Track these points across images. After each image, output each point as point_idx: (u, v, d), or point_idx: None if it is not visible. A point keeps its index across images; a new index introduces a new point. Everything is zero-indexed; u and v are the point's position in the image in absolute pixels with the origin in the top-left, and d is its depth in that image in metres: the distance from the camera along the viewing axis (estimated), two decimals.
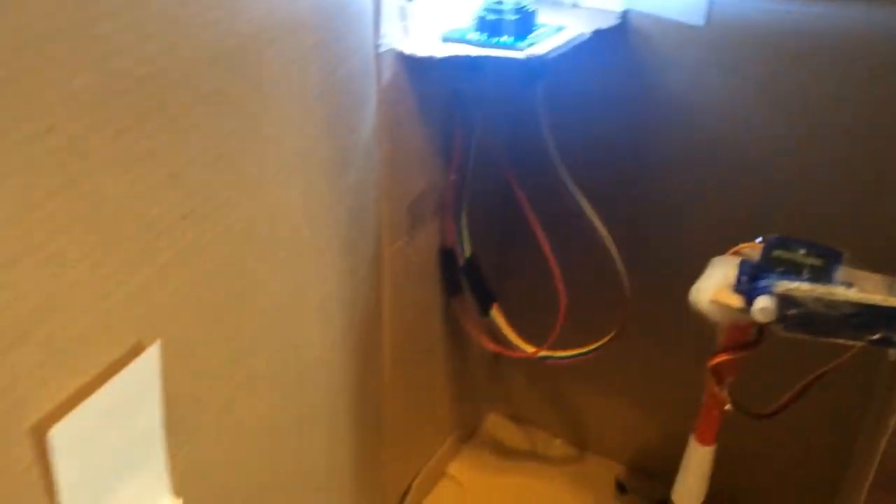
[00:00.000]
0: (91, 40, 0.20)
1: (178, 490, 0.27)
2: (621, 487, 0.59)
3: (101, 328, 0.22)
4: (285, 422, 0.34)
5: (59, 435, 0.21)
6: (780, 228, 0.39)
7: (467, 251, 0.48)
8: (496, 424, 0.65)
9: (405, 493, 0.54)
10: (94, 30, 0.21)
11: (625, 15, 0.46)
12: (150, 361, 0.24)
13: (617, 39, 0.45)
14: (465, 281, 0.48)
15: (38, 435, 0.21)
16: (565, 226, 0.45)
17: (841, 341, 0.34)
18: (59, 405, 0.21)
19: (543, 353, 0.48)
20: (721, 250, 0.39)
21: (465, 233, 0.47)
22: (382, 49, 0.37)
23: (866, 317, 0.32)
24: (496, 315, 0.49)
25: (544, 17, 0.44)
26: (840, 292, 0.32)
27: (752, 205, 0.46)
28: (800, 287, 0.33)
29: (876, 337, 0.32)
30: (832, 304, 0.32)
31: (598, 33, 0.43)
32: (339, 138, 0.35)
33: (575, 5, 0.47)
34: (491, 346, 0.49)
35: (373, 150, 0.39)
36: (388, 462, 0.51)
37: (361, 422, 0.44)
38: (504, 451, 0.62)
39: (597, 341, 0.48)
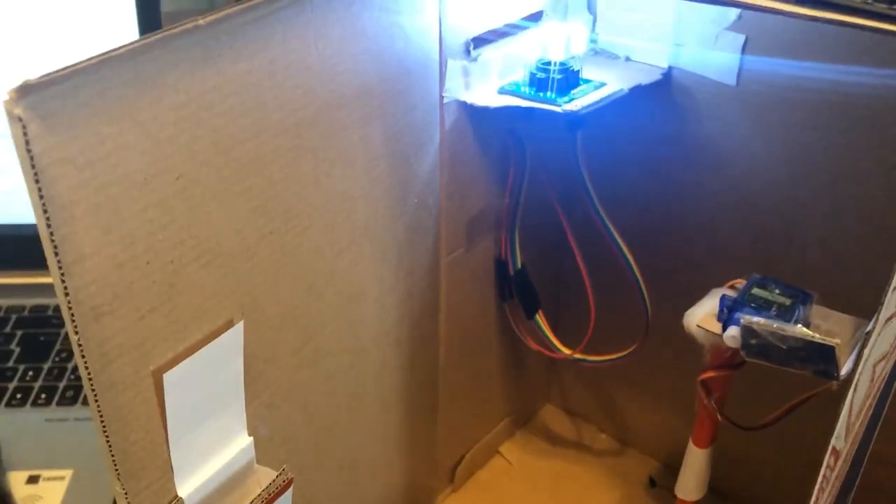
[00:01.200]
0: (213, 115, 0.31)
1: (251, 431, 0.38)
2: (652, 482, 0.66)
3: (205, 308, 0.33)
4: (341, 388, 0.44)
5: (170, 378, 0.32)
6: (787, 272, 0.45)
7: (518, 263, 0.56)
8: (550, 414, 0.73)
9: (457, 464, 0.64)
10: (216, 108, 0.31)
11: (668, 71, 0.52)
12: (237, 333, 0.34)
13: (658, 93, 0.52)
14: (515, 288, 0.57)
15: (157, 376, 0.31)
16: (600, 249, 0.52)
17: (793, 370, 0.40)
18: (172, 359, 0.32)
19: (577, 355, 0.56)
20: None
21: (516, 247, 0.56)
22: (446, 100, 0.46)
23: (808, 351, 0.39)
24: (540, 319, 0.57)
25: (593, 72, 0.51)
26: (788, 328, 0.39)
27: (766, 249, 0.52)
28: (759, 321, 0.40)
29: (816, 368, 0.39)
30: (782, 338, 0.39)
31: (639, 88, 0.50)
32: (402, 171, 0.44)
33: (627, 59, 0.54)
34: (533, 346, 0.58)
35: (435, 180, 0.48)
36: (442, 437, 0.60)
37: (415, 400, 0.54)
38: (553, 439, 0.70)
39: (626, 349, 0.55)
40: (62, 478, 0.62)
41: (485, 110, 0.47)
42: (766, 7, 0.33)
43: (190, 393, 0.33)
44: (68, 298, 0.27)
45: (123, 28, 0.71)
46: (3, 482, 0.60)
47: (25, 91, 0.24)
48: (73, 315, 0.27)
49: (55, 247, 0.26)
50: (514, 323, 0.58)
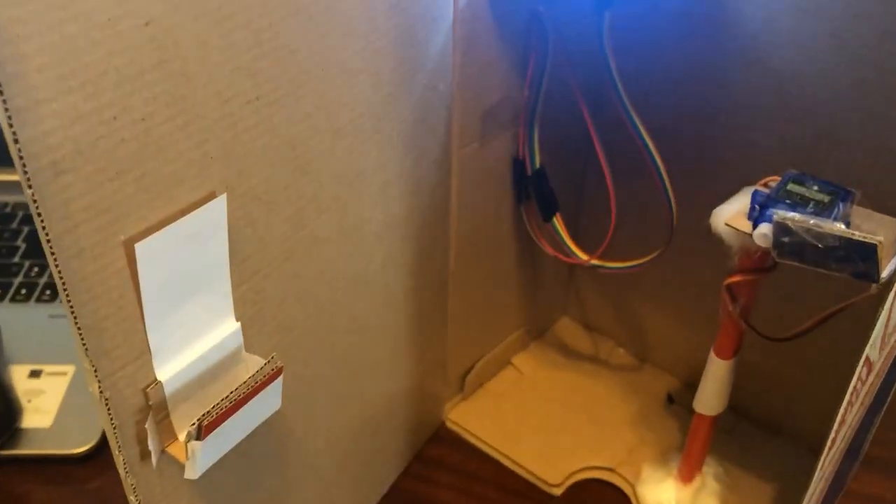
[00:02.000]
0: None
1: (239, 316, 0.35)
2: (670, 399, 0.63)
3: (182, 177, 0.30)
4: (341, 281, 0.42)
5: (143, 248, 0.29)
6: (828, 173, 0.42)
7: (537, 162, 0.53)
8: (567, 327, 0.70)
9: (467, 372, 0.62)
10: None
11: None
12: (219, 207, 0.31)
13: None
14: (532, 189, 0.53)
15: (129, 247, 0.29)
16: (625, 147, 0.49)
17: (829, 272, 0.37)
18: (145, 229, 0.29)
19: (595, 261, 0.53)
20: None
21: (536, 145, 0.52)
22: None
23: (847, 250, 0.35)
24: (557, 222, 0.54)
25: None
26: (827, 225, 0.35)
27: (806, 148, 0.48)
28: (794, 217, 0.36)
29: (855, 269, 0.35)
30: (819, 236, 0.35)
31: None
32: (408, 46, 0.40)
33: None
34: (549, 251, 0.54)
35: (447, 61, 0.44)
36: (452, 343, 0.58)
37: (422, 299, 0.51)
38: (569, 352, 0.68)
39: (649, 256, 0.52)
40: (64, 373, 0.61)
41: None
42: None
43: (167, 268, 0.30)
44: (18, 146, 0.24)
45: None
46: (3, 374, 0.59)
47: None
48: (24, 167, 0.24)
49: (3, 100, 0.24)
50: (531, 226, 0.55)
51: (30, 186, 0.25)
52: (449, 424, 0.60)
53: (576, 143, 0.53)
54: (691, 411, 0.51)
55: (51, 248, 0.26)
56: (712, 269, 0.44)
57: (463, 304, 0.56)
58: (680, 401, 0.62)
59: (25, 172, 0.25)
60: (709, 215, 0.41)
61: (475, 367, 0.61)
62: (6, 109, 0.24)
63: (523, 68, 0.49)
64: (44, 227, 0.26)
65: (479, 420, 0.60)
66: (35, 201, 0.25)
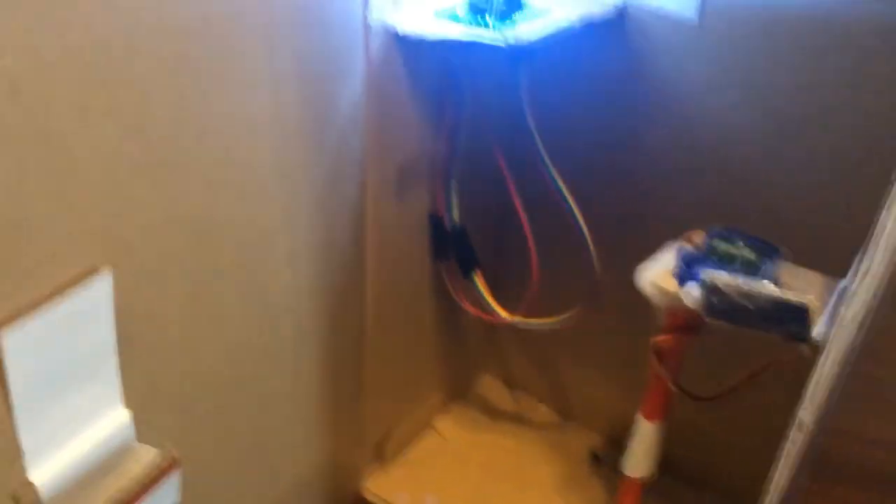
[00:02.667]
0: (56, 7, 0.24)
1: (132, 403, 0.31)
2: (595, 457, 0.62)
3: (58, 252, 0.26)
4: (246, 356, 0.38)
5: (12, 337, 0.25)
6: (747, 220, 0.41)
7: (455, 217, 0.51)
8: (488, 385, 0.68)
9: (385, 439, 0.58)
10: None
11: (623, 8, 0.47)
12: (103, 284, 0.28)
13: (612, 28, 0.47)
14: (451, 245, 0.51)
15: None
16: (545, 203, 0.47)
17: (760, 332, 0.36)
18: (12, 313, 0.25)
19: (517, 319, 0.51)
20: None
21: (454, 200, 0.50)
22: (372, 23, 0.40)
23: (778, 311, 0.34)
24: (477, 279, 0.52)
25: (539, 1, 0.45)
26: (757, 285, 0.34)
27: (723, 195, 0.48)
28: (723, 278, 0.35)
29: (786, 330, 0.34)
30: (750, 297, 0.34)
31: (590, 22, 0.45)
32: (318, 103, 0.38)
33: None
34: (470, 309, 0.52)
35: (359, 116, 0.42)
36: (369, 410, 0.54)
37: (336, 367, 0.48)
38: (491, 411, 0.66)
39: (573, 311, 0.50)
40: None
41: (417, 41, 0.41)
42: None
43: (41, 357, 0.27)
44: None
45: None
46: None
47: None
48: None
49: None
50: (450, 284, 0.53)
51: None
52: (367, 495, 0.57)
53: (495, 198, 0.52)
54: (617, 471, 0.49)
55: None
56: (636, 324, 0.42)
57: (380, 369, 0.53)
58: (605, 459, 0.61)
59: None
60: (632, 270, 0.40)
61: (394, 434, 0.58)
62: None
63: (439, 122, 0.47)
64: None
65: (399, 490, 0.57)
66: None
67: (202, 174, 0.31)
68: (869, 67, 0.40)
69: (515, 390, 0.67)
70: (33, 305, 0.26)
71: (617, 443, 0.54)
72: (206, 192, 0.32)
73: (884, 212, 0.27)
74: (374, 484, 0.58)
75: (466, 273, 0.51)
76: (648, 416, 0.45)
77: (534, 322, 0.51)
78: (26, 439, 0.27)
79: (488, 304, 0.51)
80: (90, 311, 0.28)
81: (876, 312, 0.41)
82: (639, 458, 0.47)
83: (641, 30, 0.48)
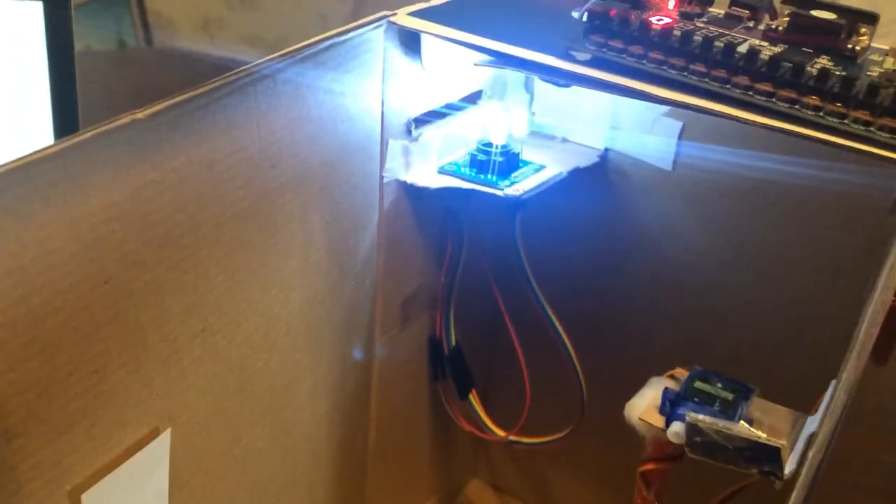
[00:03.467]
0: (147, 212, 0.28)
1: None
2: None
3: (128, 419, 0.30)
4: (271, 486, 0.42)
5: (90, 498, 0.29)
6: (723, 357, 0.45)
7: (452, 341, 0.55)
8: (477, 490, 0.71)
9: None
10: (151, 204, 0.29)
11: (605, 153, 0.53)
12: (162, 443, 0.31)
13: (595, 174, 0.52)
14: (448, 368, 0.55)
15: (75, 496, 0.28)
16: (538, 332, 0.51)
17: (737, 468, 0.40)
18: (91, 476, 0.29)
19: (512, 437, 0.55)
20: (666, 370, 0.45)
21: (452, 326, 0.54)
22: (386, 180, 0.45)
23: (754, 451, 0.38)
24: (473, 400, 0.55)
25: (531, 153, 0.51)
26: (735, 428, 0.38)
27: (703, 331, 0.53)
28: (704, 419, 0.39)
29: (761, 468, 0.39)
30: (728, 438, 0.39)
31: (576, 170, 0.50)
32: (341, 257, 0.42)
33: (564, 140, 0.54)
34: (466, 427, 0.56)
35: (372, 259, 0.46)
36: None
37: (343, 486, 0.51)
38: None
39: (561, 431, 0.54)
40: None
41: (424, 190, 0.46)
42: (730, 115, 0.33)
43: None
44: None
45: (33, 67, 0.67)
46: None
47: None
48: None
49: None
50: (447, 402, 0.57)
51: None
52: None
53: (490, 324, 0.56)
54: None
55: None
56: (620, 443, 0.46)
57: (379, 482, 0.56)
58: None
59: None
60: (616, 392, 0.44)
61: None
62: None
63: (441, 257, 0.52)
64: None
65: None
66: None
67: (245, 335, 0.35)
68: (824, 227, 0.45)
69: (503, 494, 0.70)
70: (108, 468, 0.29)
71: None
72: (246, 348, 0.36)
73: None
74: None
75: (464, 394, 0.55)
76: None
77: (528, 441, 0.55)
78: None
79: (485, 423, 0.55)
80: (151, 466, 0.31)
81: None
82: None
83: (622, 174, 0.53)
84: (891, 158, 0.31)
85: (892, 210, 0.34)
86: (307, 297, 0.39)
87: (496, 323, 0.54)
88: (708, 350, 0.44)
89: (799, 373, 0.36)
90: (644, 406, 0.43)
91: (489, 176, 0.47)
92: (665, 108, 0.49)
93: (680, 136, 0.50)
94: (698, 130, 0.49)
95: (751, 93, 0.34)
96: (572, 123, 0.53)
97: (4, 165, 0.23)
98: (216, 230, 0.32)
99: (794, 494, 0.36)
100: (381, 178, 0.44)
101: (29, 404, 0.26)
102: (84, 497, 0.29)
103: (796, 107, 0.33)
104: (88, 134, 0.25)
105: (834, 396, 0.35)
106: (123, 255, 0.28)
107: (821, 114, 0.33)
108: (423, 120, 0.46)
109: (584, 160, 0.51)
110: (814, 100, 0.33)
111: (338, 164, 0.39)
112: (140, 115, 0.27)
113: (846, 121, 0.32)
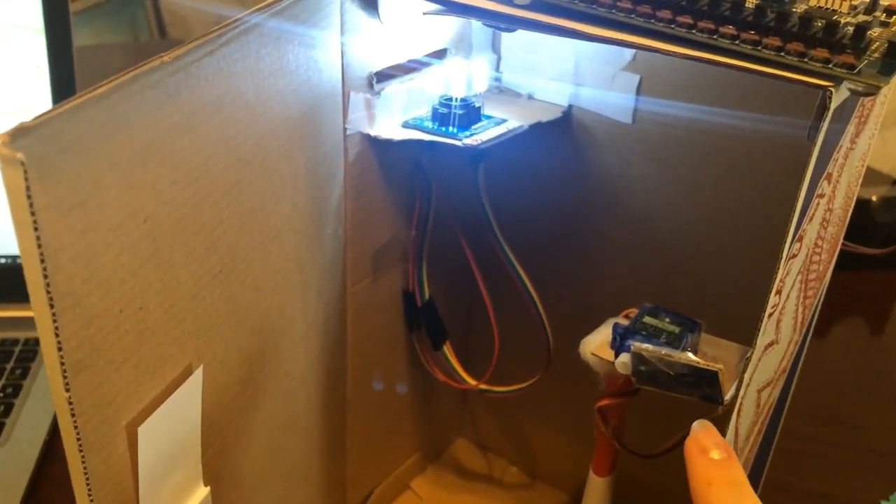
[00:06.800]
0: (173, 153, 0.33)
1: (206, 480, 0.40)
2: None
3: (168, 355, 0.36)
4: (278, 428, 0.47)
5: (144, 431, 0.33)
6: (678, 298, 0.47)
7: (426, 294, 0.57)
8: (462, 448, 0.76)
9: (366, 500, 0.63)
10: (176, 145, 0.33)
11: (569, 109, 0.55)
12: (196, 379, 0.38)
13: (558, 130, 0.55)
14: (423, 319, 0.58)
15: (131, 430, 0.33)
16: (503, 280, 0.54)
17: (681, 395, 0.42)
18: (142, 411, 0.34)
19: (483, 386, 0.57)
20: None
21: (424, 279, 0.58)
22: (349, 132, 0.48)
23: (694, 377, 0.41)
24: (447, 351, 0.59)
25: (496, 109, 0.53)
26: (675, 355, 0.41)
27: (666, 279, 0.55)
28: (647, 348, 0.42)
29: (702, 393, 0.41)
30: (670, 364, 0.41)
31: (539, 125, 0.52)
32: (319, 202, 0.50)
33: (530, 97, 0.56)
34: (441, 377, 0.59)
35: (342, 210, 0.49)
36: (351, 473, 0.61)
37: (324, 436, 0.55)
38: (464, 473, 0.73)
39: (531, 379, 0.56)
40: None
41: (388, 143, 0.49)
42: (658, 48, 0.36)
43: (159, 446, 0.36)
44: (61, 354, 0.28)
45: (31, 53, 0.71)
46: None
47: (22, 134, 0.25)
48: (65, 372, 0.28)
49: (51, 300, 0.27)
50: (423, 355, 0.61)
51: (67, 389, 0.28)
52: None
53: (462, 275, 0.60)
54: None
55: (80, 446, 0.29)
56: (590, 389, 0.48)
57: (361, 434, 0.60)
58: None
59: (65, 376, 0.29)
60: (582, 338, 0.46)
61: (374, 494, 0.65)
62: (55, 321, 0.27)
63: (410, 211, 0.55)
64: (76, 426, 0.29)
65: None
66: (71, 403, 0.28)
67: (253, 277, 0.43)
68: (768, 173, 0.48)
69: (487, 453, 0.73)
70: (153, 404, 0.35)
71: (581, 500, 0.59)
72: (254, 291, 0.44)
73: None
74: None
75: (437, 345, 0.58)
76: (598, 472, 0.51)
77: (498, 389, 0.57)
78: None
79: (457, 372, 0.58)
80: (188, 402, 0.39)
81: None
82: None
83: (584, 129, 0.56)
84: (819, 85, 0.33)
85: (808, 135, 0.36)
86: (297, 242, 0.46)
87: (467, 276, 0.57)
88: (672, 297, 0.48)
89: (754, 320, 0.38)
90: (597, 342, 0.46)
91: (450, 128, 0.50)
92: (624, 63, 0.53)
93: (638, 91, 0.52)
94: (655, 84, 0.52)
95: (694, 31, 0.36)
96: (537, 81, 0.56)
97: (61, 106, 0.26)
98: (225, 172, 0.38)
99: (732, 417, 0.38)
100: (345, 129, 0.47)
101: (91, 339, 0.30)
102: (140, 430, 0.33)
103: (736, 42, 0.35)
104: (127, 76, 0.29)
105: (765, 324, 0.37)
106: (157, 193, 0.33)
107: (759, 47, 0.35)
108: (386, 74, 0.49)
109: (547, 115, 0.54)
110: (752, 35, 0.34)
111: (313, 114, 0.48)
112: (166, 57, 0.31)
113: (782, 53, 0.34)
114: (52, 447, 0.66)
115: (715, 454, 0.36)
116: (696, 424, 0.39)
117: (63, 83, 0.75)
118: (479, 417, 0.75)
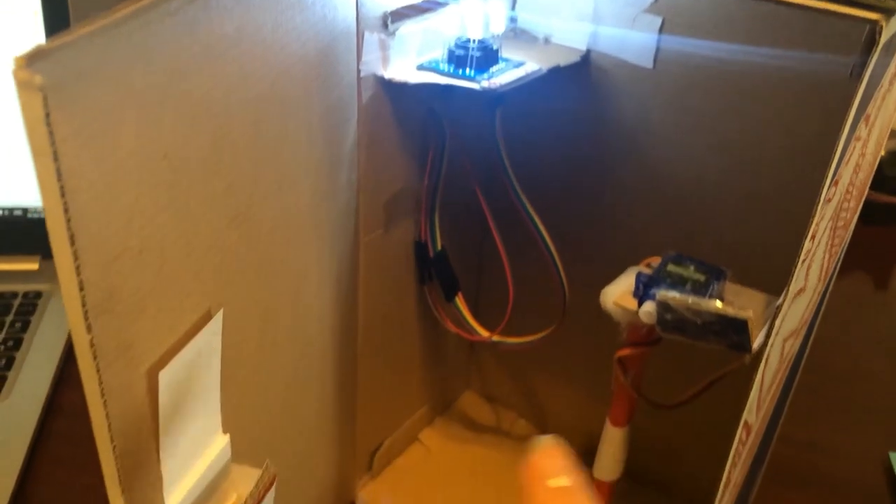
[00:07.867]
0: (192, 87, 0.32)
1: (224, 429, 0.39)
2: None
3: (187, 301, 0.35)
4: (294, 379, 0.47)
5: (165, 376, 0.32)
6: (701, 246, 0.46)
7: (438, 245, 0.56)
8: (470, 401, 0.75)
9: (376, 451, 0.63)
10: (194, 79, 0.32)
11: (587, 54, 0.53)
12: (216, 324, 0.37)
13: (576, 74, 0.53)
14: (434, 270, 0.56)
15: (152, 376, 0.32)
16: (520, 231, 0.53)
17: (707, 344, 0.41)
18: (163, 356, 0.33)
19: (496, 338, 0.56)
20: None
21: (437, 229, 0.57)
22: (363, 74, 0.46)
23: (722, 325, 0.40)
24: (459, 302, 0.58)
25: (512, 51, 0.51)
26: (704, 302, 0.40)
27: (680, 223, 0.54)
28: (674, 296, 0.41)
29: (730, 342, 0.40)
30: (697, 313, 0.41)
31: (557, 68, 0.50)
32: (335, 148, 0.48)
33: (547, 40, 0.54)
34: (452, 328, 0.58)
35: (354, 157, 0.47)
36: (361, 424, 0.60)
37: (335, 387, 0.55)
38: (473, 426, 0.73)
39: (545, 331, 0.55)
40: None
41: (403, 86, 0.47)
42: None
43: (179, 393, 0.37)
44: (83, 294, 0.26)
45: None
46: None
47: (40, 56, 0.23)
48: (86, 314, 0.27)
49: (72, 237, 0.26)
50: (434, 306, 0.60)
51: (88, 331, 0.28)
52: None
53: (474, 226, 0.59)
54: (590, 476, 0.54)
55: (102, 389, 0.28)
56: (604, 341, 0.48)
57: (371, 385, 0.60)
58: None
59: (87, 318, 0.27)
60: (598, 291, 0.45)
61: (384, 445, 0.65)
62: (76, 260, 0.26)
63: (423, 159, 0.53)
64: (98, 369, 0.28)
65: (390, 498, 0.62)
66: (93, 345, 0.27)
67: (267, 224, 0.41)
68: (801, 116, 0.46)
69: (496, 405, 0.73)
70: (173, 349, 0.34)
71: (591, 453, 0.60)
72: (270, 238, 0.43)
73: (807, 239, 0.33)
74: (367, 493, 0.63)
75: (449, 297, 0.57)
76: (615, 422, 0.51)
77: (511, 341, 0.56)
78: (166, 467, 0.34)
79: (469, 323, 0.57)
80: (208, 348, 0.38)
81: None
82: (607, 462, 0.53)
83: (603, 73, 0.54)
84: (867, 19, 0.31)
85: (851, 72, 0.35)
86: (312, 189, 0.46)
87: (481, 226, 0.56)
88: (692, 246, 0.47)
89: (785, 266, 0.37)
90: (619, 292, 0.45)
91: (467, 71, 0.48)
92: (646, 4, 0.50)
93: (660, 33, 0.50)
94: (678, 25, 0.50)
95: None
96: (555, 23, 0.54)
97: (76, 30, 0.24)
98: (244, 111, 0.37)
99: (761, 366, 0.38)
100: (359, 71, 0.45)
101: (110, 281, 0.29)
102: (161, 375, 0.32)
103: None
104: (145, 1, 0.27)
105: (798, 269, 0.36)
106: (176, 128, 0.31)
107: None
108: (400, 13, 0.47)
109: (565, 59, 0.53)
110: None
111: (328, 54, 0.47)
112: None
113: None
114: (55, 401, 0.66)
115: (556, 481, 0.30)
116: (538, 443, 0.32)
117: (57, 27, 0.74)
118: (488, 370, 0.74)
